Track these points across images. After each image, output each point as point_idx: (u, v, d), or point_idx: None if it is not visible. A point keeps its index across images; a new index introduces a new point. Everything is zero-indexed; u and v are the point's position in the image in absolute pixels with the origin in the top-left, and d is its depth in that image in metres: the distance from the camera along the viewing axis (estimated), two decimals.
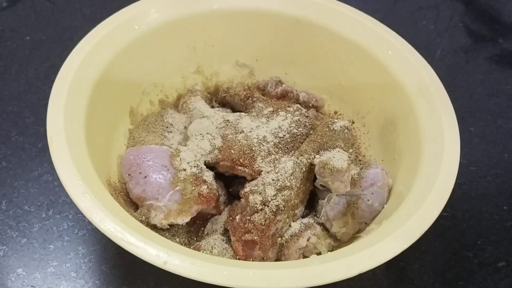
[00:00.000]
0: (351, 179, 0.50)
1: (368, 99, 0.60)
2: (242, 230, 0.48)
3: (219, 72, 0.64)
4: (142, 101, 0.59)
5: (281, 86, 0.61)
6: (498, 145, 0.67)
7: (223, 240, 0.50)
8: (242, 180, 0.52)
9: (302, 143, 0.52)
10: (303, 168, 0.50)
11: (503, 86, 0.74)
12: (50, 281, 0.52)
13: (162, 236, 0.45)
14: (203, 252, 0.48)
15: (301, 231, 0.50)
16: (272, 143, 0.52)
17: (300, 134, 0.53)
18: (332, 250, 0.49)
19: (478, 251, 0.57)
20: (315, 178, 0.51)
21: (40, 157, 0.62)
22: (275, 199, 0.48)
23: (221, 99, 0.62)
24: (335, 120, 0.54)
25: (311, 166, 0.51)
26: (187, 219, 0.49)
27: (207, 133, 0.53)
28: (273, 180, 0.49)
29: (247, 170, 0.50)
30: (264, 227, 0.47)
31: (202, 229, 0.52)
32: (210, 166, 0.52)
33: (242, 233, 0.48)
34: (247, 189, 0.49)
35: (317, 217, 0.53)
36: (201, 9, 0.59)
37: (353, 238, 0.51)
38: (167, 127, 0.57)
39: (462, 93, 0.73)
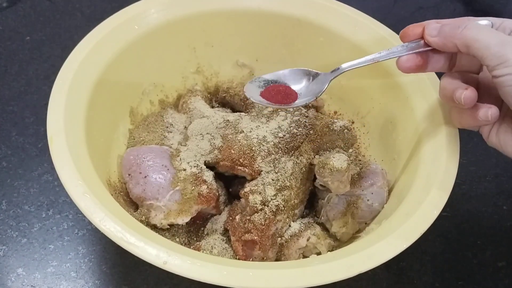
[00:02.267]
0: (351, 179, 0.50)
1: (368, 99, 0.60)
2: (242, 230, 0.48)
3: (219, 72, 0.64)
4: (142, 101, 0.59)
5: None
6: None
7: (223, 240, 0.50)
8: (242, 180, 0.52)
9: (302, 143, 0.52)
10: (303, 168, 0.50)
11: None
12: (50, 281, 0.52)
13: (162, 236, 0.45)
14: (203, 252, 0.49)
15: (301, 231, 0.50)
16: (272, 143, 0.52)
17: (300, 134, 0.53)
18: (332, 250, 0.49)
19: (478, 251, 0.57)
20: (315, 178, 0.51)
21: (40, 157, 0.62)
22: (275, 199, 0.48)
23: (221, 99, 0.62)
24: (335, 120, 0.54)
25: (311, 166, 0.51)
26: (187, 219, 0.49)
27: (207, 133, 0.53)
28: (273, 180, 0.49)
29: (247, 170, 0.50)
30: (264, 227, 0.47)
31: (202, 229, 0.52)
32: (210, 166, 0.52)
33: (242, 233, 0.48)
34: (247, 189, 0.49)
35: (317, 217, 0.53)
36: (201, 9, 0.59)
37: (353, 238, 0.51)
38: (167, 127, 0.57)
39: None
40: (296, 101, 0.49)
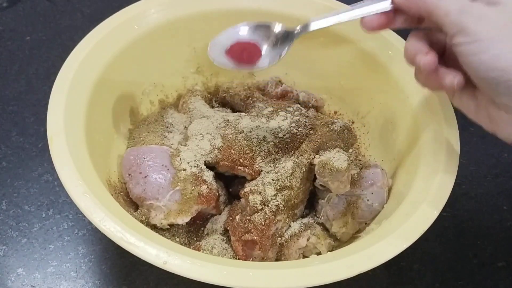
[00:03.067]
0: (351, 179, 0.50)
1: (368, 99, 0.60)
2: (242, 230, 0.48)
3: (219, 72, 0.64)
4: (142, 101, 0.59)
5: (281, 86, 0.61)
6: (498, 145, 0.67)
7: (223, 240, 0.50)
8: (242, 180, 0.52)
9: (302, 143, 0.52)
10: (303, 168, 0.50)
11: None
12: (50, 281, 0.52)
13: (162, 236, 0.45)
14: (203, 252, 0.49)
15: (301, 231, 0.50)
16: (272, 143, 0.52)
17: (300, 134, 0.53)
18: (332, 250, 0.49)
19: (478, 251, 0.57)
20: (315, 178, 0.51)
21: (40, 157, 0.62)
22: (275, 199, 0.48)
23: (221, 99, 0.62)
24: (335, 120, 0.54)
25: (311, 166, 0.51)
26: (187, 219, 0.49)
27: (207, 133, 0.53)
28: (273, 180, 0.49)
29: (247, 170, 0.50)
30: (264, 227, 0.47)
31: (202, 229, 0.52)
32: (210, 166, 0.52)
33: (242, 233, 0.48)
34: (247, 189, 0.49)
35: (317, 217, 0.53)
36: (201, 9, 0.59)
37: (353, 238, 0.51)
38: (167, 127, 0.57)
39: None
40: (260, 61, 0.47)
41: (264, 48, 0.48)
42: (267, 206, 0.47)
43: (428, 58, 0.40)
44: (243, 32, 0.48)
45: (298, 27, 0.47)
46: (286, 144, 0.52)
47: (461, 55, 0.38)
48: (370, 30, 0.44)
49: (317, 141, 0.52)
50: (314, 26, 0.46)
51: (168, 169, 0.50)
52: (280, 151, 0.52)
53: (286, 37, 0.47)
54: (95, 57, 0.52)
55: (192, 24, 0.59)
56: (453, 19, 0.38)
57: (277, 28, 0.48)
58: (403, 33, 0.57)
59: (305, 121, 0.54)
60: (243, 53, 0.47)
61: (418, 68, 0.42)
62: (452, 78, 0.40)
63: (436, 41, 0.42)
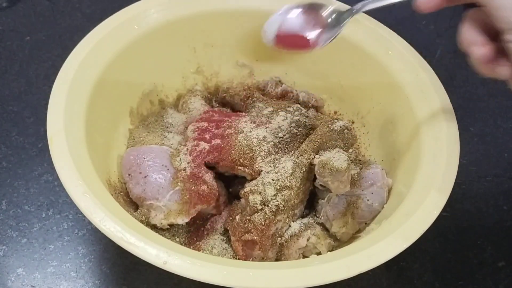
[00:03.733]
0: (351, 179, 0.50)
1: (368, 99, 0.60)
2: (242, 230, 0.48)
3: (219, 72, 0.64)
4: (142, 101, 0.59)
5: (281, 86, 0.61)
6: (498, 145, 0.67)
7: (223, 240, 0.50)
8: (242, 180, 0.52)
9: (302, 143, 0.52)
10: (303, 168, 0.50)
11: (503, 86, 0.73)
12: (50, 281, 0.52)
13: (162, 236, 0.45)
14: (203, 252, 0.49)
15: (301, 231, 0.50)
16: (272, 143, 0.52)
17: (300, 134, 0.53)
18: (332, 250, 0.49)
19: (478, 251, 0.57)
20: (315, 178, 0.51)
21: (40, 157, 0.62)
22: (275, 199, 0.48)
23: (221, 99, 0.62)
24: (335, 120, 0.54)
25: (311, 166, 0.51)
26: (187, 219, 0.49)
27: None
28: (273, 180, 0.49)
29: (247, 170, 0.50)
30: (264, 227, 0.47)
31: (202, 229, 0.52)
32: (210, 166, 0.52)
33: (242, 233, 0.48)
34: (247, 189, 0.49)
35: (317, 217, 0.53)
36: (201, 9, 0.59)
37: (353, 238, 0.51)
38: (167, 127, 0.57)
39: (462, 93, 0.73)
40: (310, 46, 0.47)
41: (313, 34, 0.47)
42: (267, 206, 0.47)
43: (484, 50, 0.39)
44: (292, 15, 0.48)
45: (351, 8, 0.46)
46: (286, 144, 0.52)
47: (510, 52, 0.37)
48: (425, 10, 0.43)
49: (317, 141, 0.52)
50: (368, 6, 0.45)
51: (168, 169, 0.50)
52: (280, 151, 0.52)
53: (337, 19, 0.47)
54: (95, 57, 0.52)
55: (192, 24, 0.59)
56: (505, 15, 0.36)
57: (328, 9, 0.47)
58: (404, 32, 0.58)
59: (305, 121, 0.54)
60: (292, 41, 0.48)
61: (473, 58, 0.40)
62: (502, 68, 0.39)
63: (492, 26, 0.40)
